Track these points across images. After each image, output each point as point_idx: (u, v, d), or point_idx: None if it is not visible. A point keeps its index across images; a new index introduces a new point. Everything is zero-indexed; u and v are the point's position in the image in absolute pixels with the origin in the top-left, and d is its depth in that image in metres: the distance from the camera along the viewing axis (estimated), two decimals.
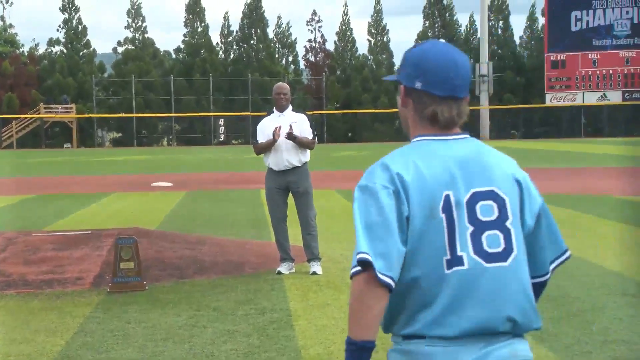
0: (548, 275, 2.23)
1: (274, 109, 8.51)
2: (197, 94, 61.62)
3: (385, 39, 67.10)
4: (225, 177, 23.21)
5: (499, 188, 2.12)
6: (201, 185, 20.60)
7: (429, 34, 66.91)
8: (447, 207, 2.07)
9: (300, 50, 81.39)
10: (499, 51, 65.88)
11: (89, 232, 11.23)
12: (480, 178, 2.12)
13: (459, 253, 2.06)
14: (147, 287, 7.50)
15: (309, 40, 67.26)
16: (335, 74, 65.91)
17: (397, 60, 63.11)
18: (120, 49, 64.83)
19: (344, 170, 25.67)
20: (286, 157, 8.28)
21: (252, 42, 66.02)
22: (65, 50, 63.46)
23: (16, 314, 6.72)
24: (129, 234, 8.38)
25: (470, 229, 2.08)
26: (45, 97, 59.99)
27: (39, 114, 57.54)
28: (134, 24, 64.79)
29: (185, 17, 65.47)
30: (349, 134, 63.71)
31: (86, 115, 58.79)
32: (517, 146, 41.71)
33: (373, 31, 67.01)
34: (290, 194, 8.39)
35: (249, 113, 58.95)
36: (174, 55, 66.81)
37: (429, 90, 2.15)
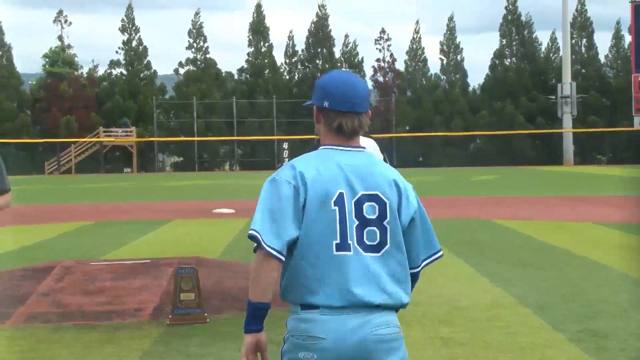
0: (419, 269, 2.91)
1: None
2: (260, 116, 62.33)
3: (458, 58, 66.86)
4: None
5: (382, 193, 2.81)
6: None
7: (506, 52, 66.39)
8: (340, 202, 2.75)
9: (368, 70, 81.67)
10: (583, 71, 64.92)
11: (148, 261, 11.41)
12: (368, 183, 2.80)
13: (348, 241, 2.74)
14: (208, 320, 7.57)
15: (378, 60, 67.54)
16: (405, 95, 65.88)
17: (472, 81, 62.90)
18: (181, 70, 66.08)
19: None
20: None
21: (317, 62, 66.55)
22: (125, 72, 64.96)
23: (73, 347, 6.85)
24: (189, 264, 8.49)
25: (357, 223, 2.76)
26: (104, 120, 61.45)
27: (99, 137, 58.91)
28: (195, 45, 66.02)
29: (248, 36, 66.46)
30: (420, 159, 63.47)
31: (146, 139, 59.94)
32: (603, 172, 40.84)
33: (446, 50, 66.84)
34: None
35: (314, 136, 59.11)
36: (236, 76, 67.79)
37: (335, 107, 2.84)
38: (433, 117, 63.13)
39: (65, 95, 61.13)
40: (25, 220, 19.60)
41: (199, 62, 65.74)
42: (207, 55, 66.24)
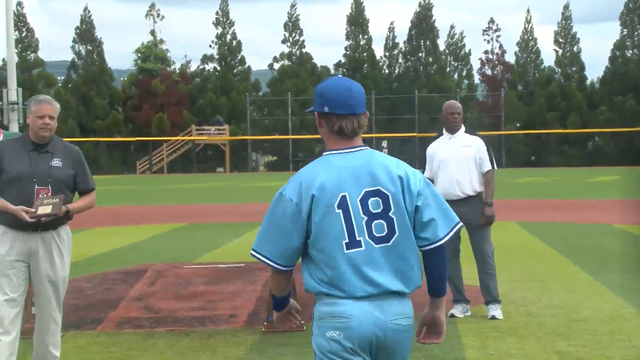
0: (441, 241, 3.34)
1: (444, 131, 8.47)
2: None
3: (575, 49, 65.38)
4: None
5: (383, 187, 3.31)
6: None
7: (628, 43, 64.55)
8: (344, 204, 3.28)
9: (475, 62, 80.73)
10: None
11: (243, 264, 11.57)
12: (369, 180, 3.31)
13: (358, 238, 3.27)
14: (304, 327, 7.61)
15: (486, 52, 66.66)
16: (516, 89, 64.82)
17: (590, 74, 61.24)
18: (276, 65, 66.74)
19: (527, 200, 25.11)
20: (458, 185, 8.20)
21: (420, 54, 66.19)
22: (218, 68, 66.07)
23: (166, 354, 6.99)
24: None
25: (365, 218, 3.28)
26: (197, 117, 62.67)
27: (191, 135, 60.12)
28: (291, 38, 66.59)
29: (346, 29, 66.66)
30: (532, 158, 62.33)
31: (240, 138, 60.85)
32: None
33: (561, 40, 65.46)
34: (464, 227, 8.28)
35: (415, 134, 59.02)
36: (332, 71, 68.12)
37: (334, 111, 3.34)
38: (546, 113, 61.90)
39: (157, 92, 62.58)
40: (117, 221, 20.17)
41: (294, 57, 66.31)
42: (303, 50, 66.76)
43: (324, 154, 3.39)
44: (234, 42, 66.67)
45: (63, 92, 61.07)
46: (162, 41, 68.02)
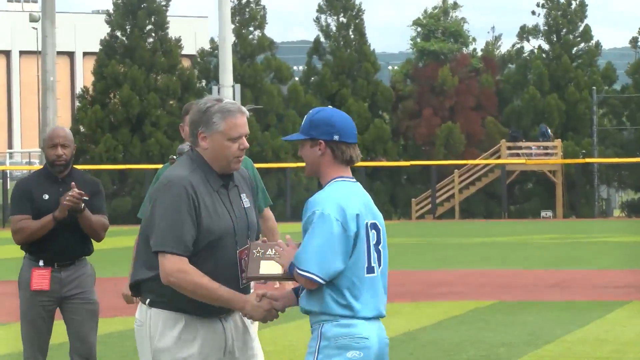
0: None
1: None
2: None
3: None
4: None
5: (378, 221, 5.72)
6: None
7: None
8: (366, 231, 5.61)
9: None
10: None
11: None
12: (372, 213, 5.71)
13: (372, 264, 5.63)
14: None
15: None
16: None
17: None
18: None
19: None
20: None
21: None
22: (546, 46, 65.43)
23: None
24: None
25: (369, 248, 5.71)
26: (509, 128, 62.30)
27: (499, 158, 59.85)
28: None
29: None
30: None
31: (581, 161, 59.92)
32: None
33: None
34: None
35: None
36: None
37: (346, 140, 5.64)
38: None
39: (447, 87, 62.55)
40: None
41: None
42: None
43: (338, 179, 5.65)
44: (574, 2, 65.76)
45: (301, 89, 62.33)
46: (455, 6, 68.32)
